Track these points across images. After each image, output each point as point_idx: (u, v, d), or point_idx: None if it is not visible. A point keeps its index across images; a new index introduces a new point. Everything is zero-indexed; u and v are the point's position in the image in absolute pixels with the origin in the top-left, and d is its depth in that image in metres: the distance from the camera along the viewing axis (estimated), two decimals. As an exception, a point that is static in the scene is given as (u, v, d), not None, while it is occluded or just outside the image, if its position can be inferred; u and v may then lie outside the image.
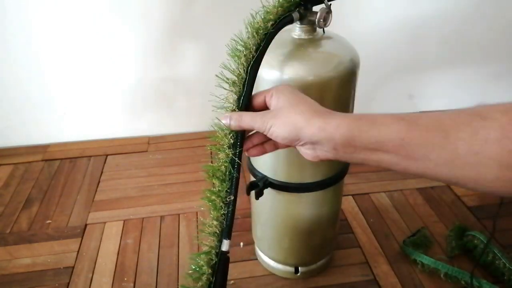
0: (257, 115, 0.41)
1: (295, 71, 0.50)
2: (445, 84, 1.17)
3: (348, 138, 0.36)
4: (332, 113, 0.39)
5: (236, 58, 0.43)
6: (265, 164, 0.60)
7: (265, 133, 0.41)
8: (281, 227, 0.65)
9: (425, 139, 0.34)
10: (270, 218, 0.66)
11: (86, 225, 0.83)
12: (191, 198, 0.90)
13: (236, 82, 0.43)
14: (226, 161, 0.44)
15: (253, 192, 0.59)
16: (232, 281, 0.70)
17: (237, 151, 0.44)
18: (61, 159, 1.04)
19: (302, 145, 0.40)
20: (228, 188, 0.44)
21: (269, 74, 0.51)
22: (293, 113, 0.39)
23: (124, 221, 0.84)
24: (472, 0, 1.04)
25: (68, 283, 0.71)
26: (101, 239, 0.80)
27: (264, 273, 0.72)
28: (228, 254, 0.46)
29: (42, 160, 1.04)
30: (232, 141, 0.44)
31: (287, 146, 0.42)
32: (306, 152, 0.41)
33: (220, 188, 0.45)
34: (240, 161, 0.45)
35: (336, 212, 0.68)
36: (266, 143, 0.45)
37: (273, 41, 0.45)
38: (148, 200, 0.90)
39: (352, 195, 0.89)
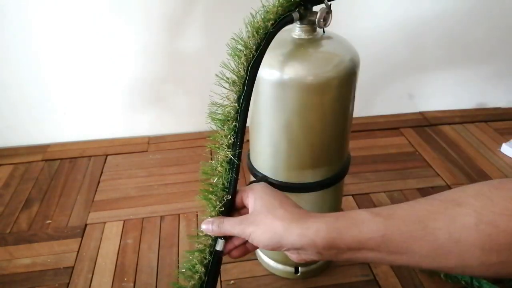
0: (236, 222, 0.41)
1: (295, 71, 0.50)
2: (445, 84, 1.17)
3: (329, 241, 0.36)
4: (310, 215, 0.39)
5: (236, 57, 0.43)
6: (265, 164, 0.60)
7: (246, 239, 0.41)
8: (281, 227, 0.65)
9: (404, 233, 0.34)
10: (270, 218, 0.65)
11: (86, 225, 0.83)
12: (191, 198, 0.90)
13: (236, 81, 0.43)
14: (224, 160, 0.44)
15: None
16: (232, 281, 0.70)
17: (236, 151, 0.44)
18: (61, 159, 1.04)
19: (285, 250, 0.40)
20: (226, 188, 0.44)
21: (269, 74, 0.51)
22: (272, 219, 0.39)
23: (124, 221, 0.84)
24: (472, 0, 1.04)
25: (68, 283, 0.71)
26: (101, 239, 0.80)
27: (264, 273, 0.72)
28: (221, 254, 0.47)
29: (42, 160, 1.04)
30: (231, 141, 0.44)
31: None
32: (291, 255, 0.41)
33: (216, 187, 0.45)
34: (239, 161, 0.45)
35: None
36: (248, 243, 0.45)
37: (273, 41, 0.45)
38: (148, 200, 0.90)
39: (352, 195, 0.89)
